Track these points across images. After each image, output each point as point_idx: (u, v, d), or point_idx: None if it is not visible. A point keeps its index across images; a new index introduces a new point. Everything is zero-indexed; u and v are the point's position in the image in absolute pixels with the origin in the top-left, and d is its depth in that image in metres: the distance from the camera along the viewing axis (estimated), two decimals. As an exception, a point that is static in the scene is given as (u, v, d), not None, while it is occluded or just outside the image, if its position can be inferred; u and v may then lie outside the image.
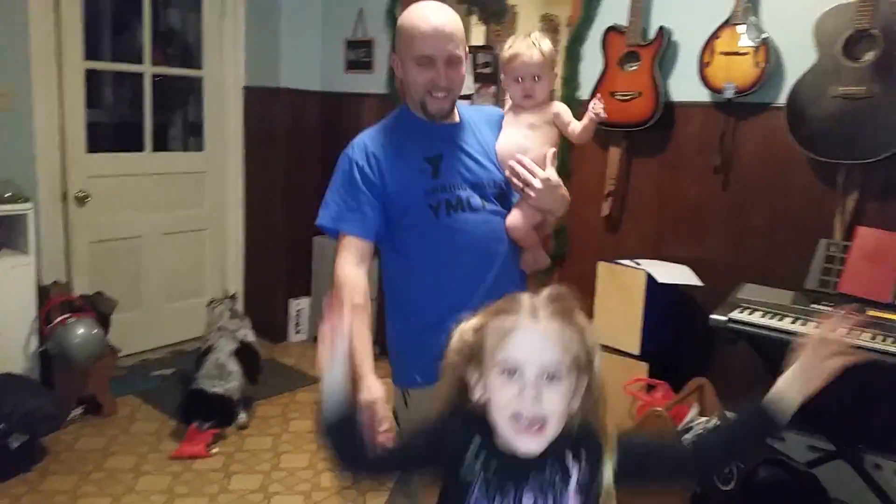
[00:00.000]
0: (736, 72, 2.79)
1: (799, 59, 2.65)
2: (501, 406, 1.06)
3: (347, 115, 4.23)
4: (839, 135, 2.55)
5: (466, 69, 1.83)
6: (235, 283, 4.41)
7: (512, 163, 1.80)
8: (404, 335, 1.82)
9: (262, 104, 4.25)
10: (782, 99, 2.71)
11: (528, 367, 1.04)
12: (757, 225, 2.87)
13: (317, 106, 4.35)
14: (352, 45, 4.18)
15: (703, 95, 2.93)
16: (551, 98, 1.93)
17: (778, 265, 2.78)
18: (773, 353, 2.70)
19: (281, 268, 4.34)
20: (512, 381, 1.05)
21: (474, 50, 4.19)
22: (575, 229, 3.32)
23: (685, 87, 2.98)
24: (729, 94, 2.81)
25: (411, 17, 1.75)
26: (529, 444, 1.06)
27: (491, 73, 3.87)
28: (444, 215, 1.74)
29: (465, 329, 1.13)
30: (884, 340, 2.18)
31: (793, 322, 2.37)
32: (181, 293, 4.21)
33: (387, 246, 1.82)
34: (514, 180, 1.81)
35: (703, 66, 2.87)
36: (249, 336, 3.57)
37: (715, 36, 2.84)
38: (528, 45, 1.82)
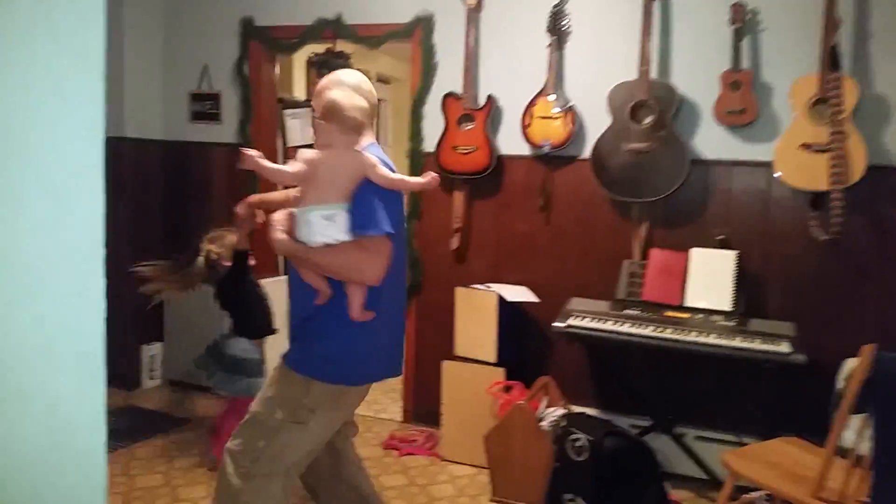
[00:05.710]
0: (551, 132, 3.52)
1: (597, 121, 3.44)
2: None
3: (195, 163, 4.42)
4: (631, 179, 3.35)
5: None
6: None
7: None
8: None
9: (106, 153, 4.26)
10: (587, 153, 3.47)
11: None
12: (574, 251, 3.61)
13: (160, 154, 4.47)
14: (197, 97, 4.39)
15: (526, 150, 3.63)
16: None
17: (592, 282, 3.52)
18: (600, 349, 3.43)
19: (129, 315, 4.36)
20: None
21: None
22: (429, 261, 3.86)
23: (512, 143, 3.66)
24: (546, 149, 3.53)
25: None
26: None
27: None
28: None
29: None
30: (679, 332, 2.97)
31: (613, 324, 3.09)
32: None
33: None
34: None
35: (524, 127, 3.57)
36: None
37: (532, 103, 3.55)
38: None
